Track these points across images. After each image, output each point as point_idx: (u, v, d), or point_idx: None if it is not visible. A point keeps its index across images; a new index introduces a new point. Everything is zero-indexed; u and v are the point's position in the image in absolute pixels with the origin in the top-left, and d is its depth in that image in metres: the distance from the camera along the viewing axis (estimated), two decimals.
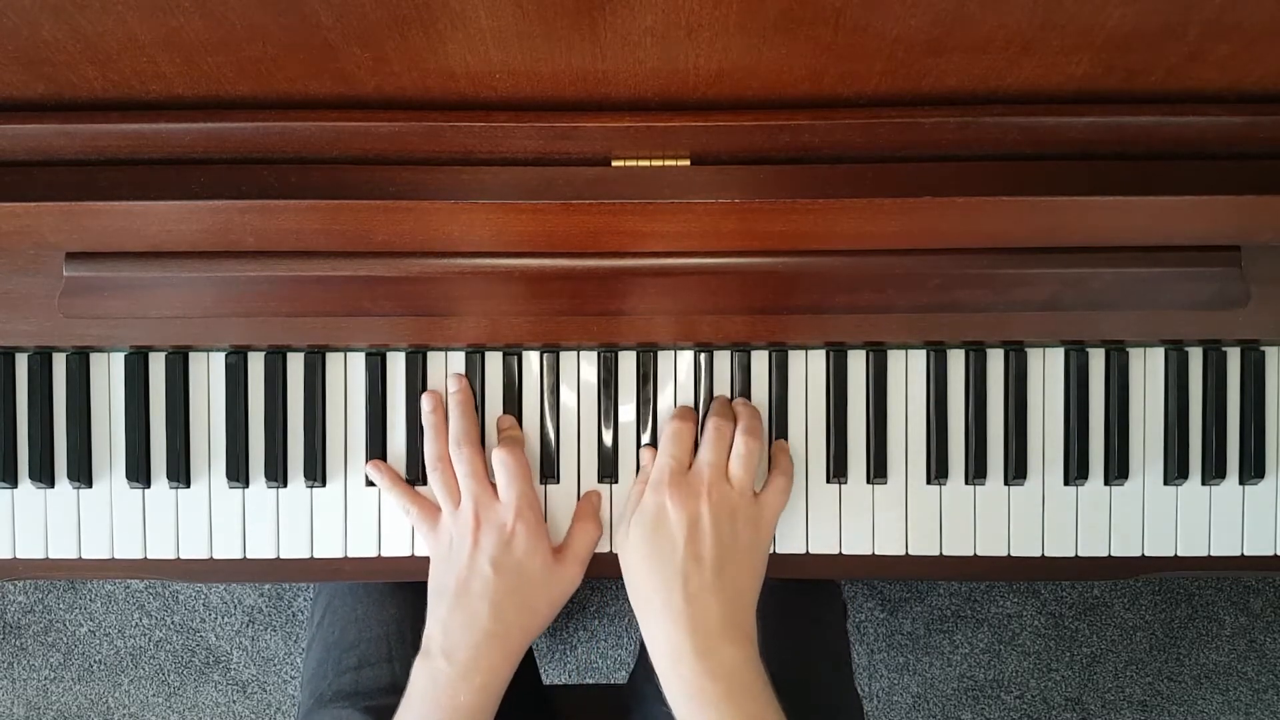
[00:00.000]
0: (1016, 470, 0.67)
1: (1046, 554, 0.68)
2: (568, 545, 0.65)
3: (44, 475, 0.66)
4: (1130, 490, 0.68)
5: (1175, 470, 0.67)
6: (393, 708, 0.60)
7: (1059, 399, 0.68)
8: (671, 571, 0.59)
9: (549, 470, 0.67)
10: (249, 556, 0.67)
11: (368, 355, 0.67)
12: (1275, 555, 0.68)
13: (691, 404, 0.68)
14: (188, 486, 0.67)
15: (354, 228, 0.59)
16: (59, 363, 0.66)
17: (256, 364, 0.67)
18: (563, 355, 0.68)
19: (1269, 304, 0.64)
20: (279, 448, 0.67)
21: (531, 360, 0.68)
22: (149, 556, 0.67)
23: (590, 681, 1.35)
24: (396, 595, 0.75)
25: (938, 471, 0.67)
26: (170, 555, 0.67)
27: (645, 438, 0.68)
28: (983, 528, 0.68)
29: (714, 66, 0.54)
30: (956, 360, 0.67)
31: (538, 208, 0.58)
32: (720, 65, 0.54)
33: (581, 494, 0.68)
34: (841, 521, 0.68)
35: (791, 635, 0.75)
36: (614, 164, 0.58)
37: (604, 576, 0.67)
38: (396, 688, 0.62)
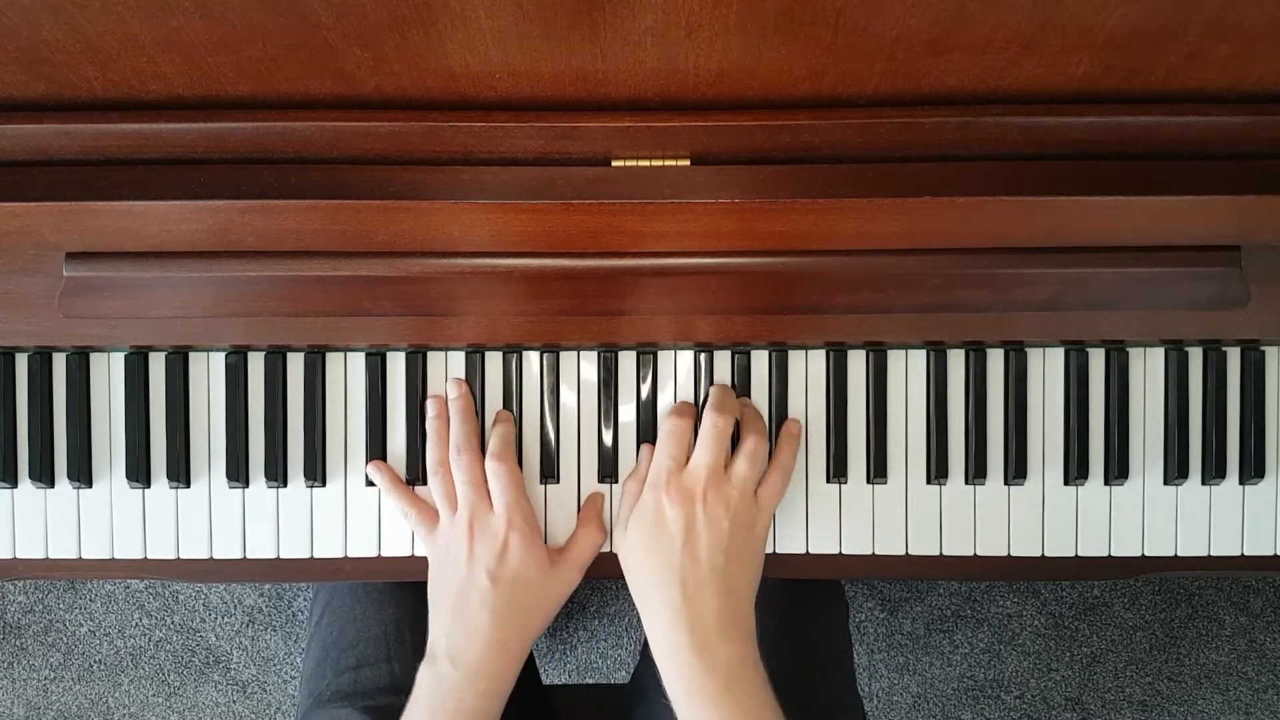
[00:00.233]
0: (1016, 470, 0.67)
1: (1046, 554, 0.68)
2: (569, 549, 0.65)
3: (44, 475, 0.66)
4: (1130, 490, 0.68)
5: (1175, 470, 0.67)
6: (391, 707, 0.61)
7: (1059, 399, 0.68)
8: (669, 570, 0.60)
9: (549, 470, 0.68)
10: (249, 556, 0.67)
11: (368, 355, 0.67)
12: (1275, 555, 0.68)
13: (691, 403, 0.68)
14: (188, 486, 0.67)
15: (354, 228, 0.59)
16: (59, 363, 0.66)
17: (256, 364, 0.67)
18: (563, 355, 0.68)
19: (1269, 304, 0.64)
20: (279, 448, 0.67)
21: (531, 360, 0.68)
22: (149, 556, 0.67)
23: (590, 681, 1.35)
24: (395, 595, 0.75)
25: (938, 471, 0.67)
26: (170, 555, 0.67)
27: (645, 438, 0.68)
28: (983, 528, 0.68)
29: (714, 66, 0.54)
30: (956, 360, 0.67)
31: (538, 208, 0.58)
32: (720, 65, 0.54)
33: (582, 494, 0.68)
34: (841, 521, 0.68)
35: (793, 634, 0.75)
36: (614, 164, 0.58)
37: (604, 576, 0.67)
38: (395, 687, 0.62)
